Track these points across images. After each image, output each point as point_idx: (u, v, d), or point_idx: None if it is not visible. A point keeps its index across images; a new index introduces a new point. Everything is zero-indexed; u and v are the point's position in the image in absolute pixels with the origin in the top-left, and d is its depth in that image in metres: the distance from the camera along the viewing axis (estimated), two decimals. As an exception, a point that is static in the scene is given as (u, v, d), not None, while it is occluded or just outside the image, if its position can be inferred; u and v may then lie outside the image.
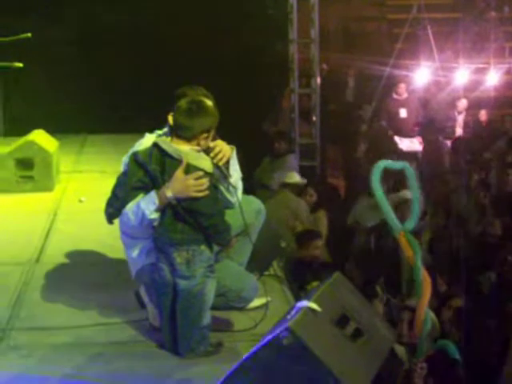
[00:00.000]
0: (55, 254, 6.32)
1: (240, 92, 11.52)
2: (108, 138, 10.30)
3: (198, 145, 4.42)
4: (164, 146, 4.41)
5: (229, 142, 4.74)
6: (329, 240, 8.93)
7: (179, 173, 4.36)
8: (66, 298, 5.42)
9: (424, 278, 5.11)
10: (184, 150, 4.39)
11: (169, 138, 4.50)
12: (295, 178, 9.28)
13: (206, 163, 4.41)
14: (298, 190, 9.40)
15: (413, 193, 5.24)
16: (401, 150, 12.24)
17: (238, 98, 11.07)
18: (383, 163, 5.35)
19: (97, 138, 10.68)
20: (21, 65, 8.60)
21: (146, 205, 4.41)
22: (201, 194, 4.35)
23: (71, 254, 6.29)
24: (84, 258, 6.27)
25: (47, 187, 8.15)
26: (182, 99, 4.52)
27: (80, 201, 7.73)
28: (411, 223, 5.22)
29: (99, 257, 6.25)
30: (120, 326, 5.02)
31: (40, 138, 8.39)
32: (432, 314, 6.23)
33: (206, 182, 4.36)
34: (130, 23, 12.05)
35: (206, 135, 4.43)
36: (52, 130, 8.85)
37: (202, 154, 4.44)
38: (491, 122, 13.57)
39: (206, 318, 4.57)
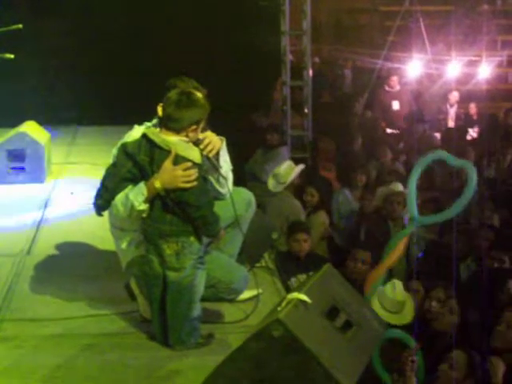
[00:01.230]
0: (46, 246, 6.31)
1: (232, 84, 11.50)
2: (99, 130, 10.29)
3: (187, 136, 4.41)
4: (152, 137, 4.41)
5: (220, 134, 4.74)
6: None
7: (167, 163, 4.35)
8: (57, 289, 5.42)
9: (398, 247, 5.45)
10: (173, 140, 4.37)
11: (157, 130, 4.49)
12: (284, 168, 9.08)
13: (194, 154, 4.40)
14: (298, 190, 9.27)
15: (467, 192, 5.30)
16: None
17: (230, 90, 11.05)
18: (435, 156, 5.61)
19: (88, 129, 10.66)
20: (12, 56, 8.57)
21: (135, 196, 4.40)
22: (189, 185, 4.34)
23: (62, 246, 6.29)
24: (75, 250, 6.26)
25: (39, 179, 8.14)
26: (172, 90, 4.52)
27: (71, 193, 7.72)
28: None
29: (90, 248, 6.25)
30: (110, 318, 5.02)
31: (32, 129, 8.38)
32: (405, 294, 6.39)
33: (194, 172, 4.34)
34: (123, 15, 12.02)
35: (194, 127, 4.42)
36: (43, 122, 8.83)
37: (191, 145, 4.43)
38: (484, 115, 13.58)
39: (196, 310, 4.58)
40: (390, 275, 6.54)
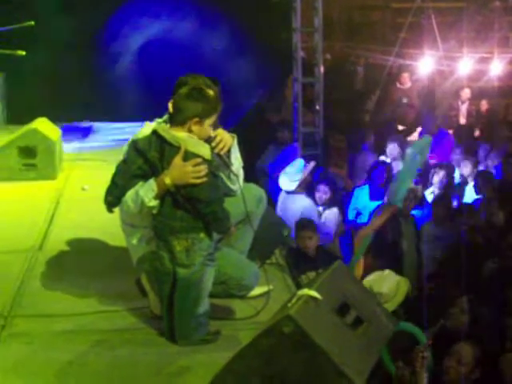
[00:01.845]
0: (58, 242, 6.32)
1: (243, 80, 11.52)
2: (111, 126, 10.30)
3: (190, 129, 4.38)
4: (163, 133, 4.40)
5: (232, 131, 4.74)
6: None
7: (177, 159, 4.35)
8: (68, 285, 5.44)
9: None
10: (182, 136, 4.37)
11: (168, 126, 4.49)
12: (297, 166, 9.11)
13: (204, 150, 4.39)
14: (310, 187, 9.29)
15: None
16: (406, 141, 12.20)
17: (242, 87, 11.06)
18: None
19: (100, 126, 10.68)
20: (23, 53, 8.61)
21: (145, 192, 4.41)
22: (199, 181, 4.33)
23: (74, 242, 6.30)
24: (86, 246, 6.27)
25: (50, 175, 8.17)
26: (184, 87, 4.51)
27: (83, 189, 7.75)
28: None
29: (101, 244, 6.26)
30: (121, 314, 5.03)
31: (43, 126, 8.40)
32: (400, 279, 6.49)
33: (204, 168, 4.34)
34: (134, 11, 12.06)
35: (197, 119, 4.37)
36: (55, 118, 8.86)
37: (201, 141, 4.42)
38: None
39: (203, 307, 4.58)
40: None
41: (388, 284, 6.49)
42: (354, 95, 14.00)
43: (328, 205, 8.99)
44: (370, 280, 6.54)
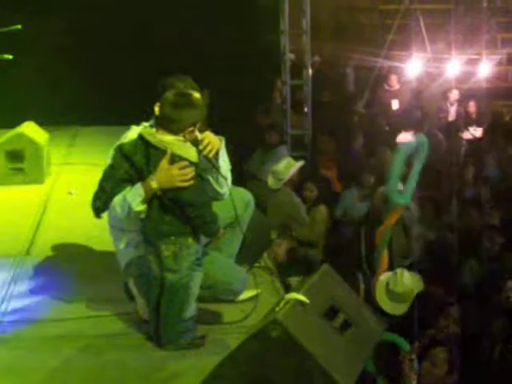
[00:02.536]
0: (45, 247, 6.31)
1: (231, 83, 11.51)
2: (99, 131, 10.26)
3: (184, 138, 4.39)
4: (148, 137, 4.39)
5: (221, 134, 4.72)
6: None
7: (163, 163, 4.34)
8: (56, 290, 5.42)
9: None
10: (168, 140, 4.35)
11: (154, 130, 4.47)
12: (283, 164, 9.15)
13: (190, 153, 4.38)
14: (297, 185, 9.36)
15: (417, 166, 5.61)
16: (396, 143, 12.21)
17: (230, 90, 11.05)
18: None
19: (88, 130, 10.65)
20: (10, 56, 8.57)
21: (132, 197, 4.39)
22: (186, 184, 4.32)
23: (61, 247, 6.28)
24: (74, 251, 6.26)
25: (37, 179, 8.14)
26: (170, 91, 4.49)
27: (70, 193, 7.72)
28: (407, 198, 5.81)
29: (89, 249, 6.24)
30: (109, 319, 5.01)
31: (30, 130, 8.37)
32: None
33: (190, 171, 4.33)
34: (121, 15, 12.02)
35: (192, 129, 4.40)
36: (42, 123, 8.83)
37: (187, 144, 4.40)
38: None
39: (190, 311, 4.56)
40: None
41: (403, 283, 6.49)
42: (345, 97, 14.00)
43: (314, 202, 9.08)
44: (387, 277, 6.53)
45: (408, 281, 6.28)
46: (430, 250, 8.30)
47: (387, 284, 6.31)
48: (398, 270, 6.36)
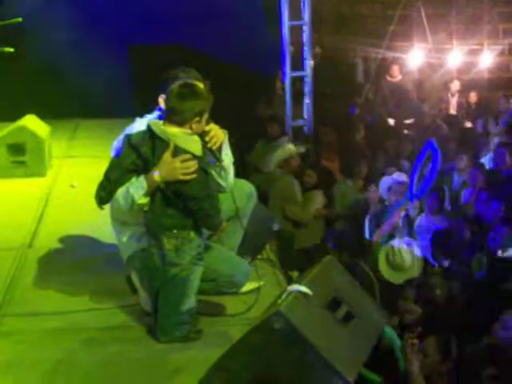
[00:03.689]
0: (47, 239, 6.31)
1: (233, 75, 11.49)
2: (100, 123, 10.25)
3: (191, 129, 4.37)
4: (154, 129, 4.38)
5: (224, 126, 4.71)
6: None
7: (166, 156, 4.33)
8: (58, 282, 5.42)
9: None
10: (173, 132, 4.34)
11: (161, 122, 4.46)
12: (287, 150, 9.34)
13: (194, 146, 4.37)
14: (297, 171, 9.46)
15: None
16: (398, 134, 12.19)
17: (232, 81, 11.02)
18: None
19: (89, 123, 10.63)
20: (12, 50, 8.57)
21: (135, 190, 4.39)
22: (188, 177, 4.31)
23: (63, 239, 6.28)
24: (76, 243, 6.25)
25: (39, 172, 8.14)
26: (175, 83, 4.48)
27: (72, 186, 7.71)
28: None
29: (91, 242, 6.23)
30: (112, 311, 5.01)
31: (32, 123, 8.37)
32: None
33: (193, 164, 4.31)
34: (122, 7, 11.99)
35: (197, 119, 4.37)
36: (44, 116, 8.82)
37: (192, 137, 4.38)
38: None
39: (187, 305, 4.55)
40: None
41: (404, 256, 6.93)
42: (353, 88, 13.96)
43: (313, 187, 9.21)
44: (387, 248, 6.97)
45: (406, 254, 6.76)
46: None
47: (387, 254, 6.98)
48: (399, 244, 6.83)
